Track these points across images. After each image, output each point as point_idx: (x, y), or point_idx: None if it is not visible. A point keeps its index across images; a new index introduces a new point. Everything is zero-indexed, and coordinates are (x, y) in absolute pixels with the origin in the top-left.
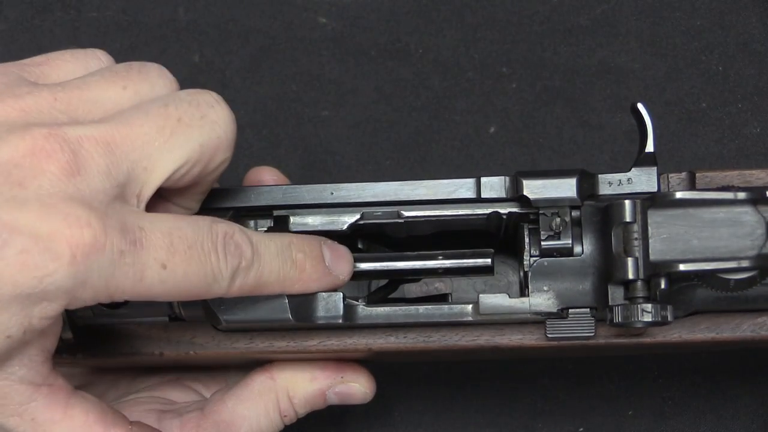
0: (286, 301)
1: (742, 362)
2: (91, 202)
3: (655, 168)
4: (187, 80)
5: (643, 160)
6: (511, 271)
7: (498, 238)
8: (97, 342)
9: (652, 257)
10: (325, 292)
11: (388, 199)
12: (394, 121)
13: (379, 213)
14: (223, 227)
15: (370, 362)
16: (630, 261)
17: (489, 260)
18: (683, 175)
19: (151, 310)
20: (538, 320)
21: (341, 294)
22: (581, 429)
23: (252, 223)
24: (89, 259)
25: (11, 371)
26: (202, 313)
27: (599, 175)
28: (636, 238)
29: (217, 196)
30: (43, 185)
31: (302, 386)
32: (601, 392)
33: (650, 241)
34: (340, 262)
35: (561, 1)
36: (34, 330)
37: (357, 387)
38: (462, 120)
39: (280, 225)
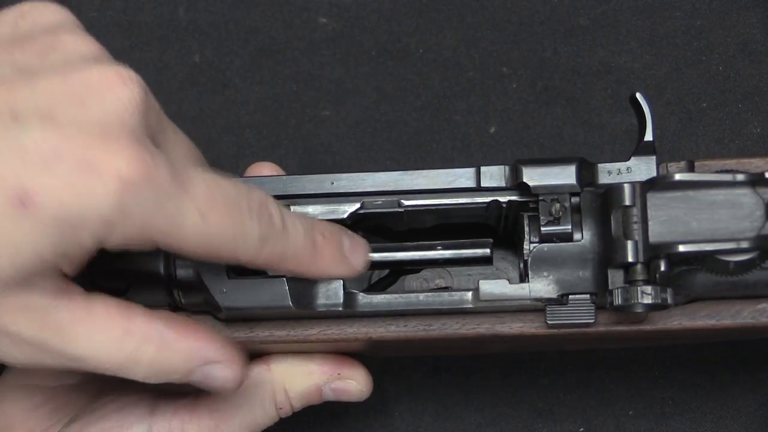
0: (287, 288)
1: (742, 362)
2: (146, 141)
3: (654, 157)
4: (187, 80)
5: (642, 149)
6: (511, 267)
7: (498, 232)
8: None
9: (651, 240)
10: (337, 279)
11: (388, 188)
12: (394, 121)
13: (379, 202)
14: (260, 194)
15: (371, 355)
16: (630, 244)
17: (488, 250)
18: (682, 164)
19: (151, 298)
20: (538, 307)
21: (341, 282)
22: (581, 429)
23: None
24: (138, 190)
25: (33, 287)
26: (202, 301)
27: (599, 164)
28: (635, 221)
29: None
30: (109, 112)
31: (299, 380)
32: (601, 392)
33: (649, 223)
34: (357, 252)
35: (561, 1)
36: (65, 256)
37: (354, 384)
38: (462, 120)
39: None
